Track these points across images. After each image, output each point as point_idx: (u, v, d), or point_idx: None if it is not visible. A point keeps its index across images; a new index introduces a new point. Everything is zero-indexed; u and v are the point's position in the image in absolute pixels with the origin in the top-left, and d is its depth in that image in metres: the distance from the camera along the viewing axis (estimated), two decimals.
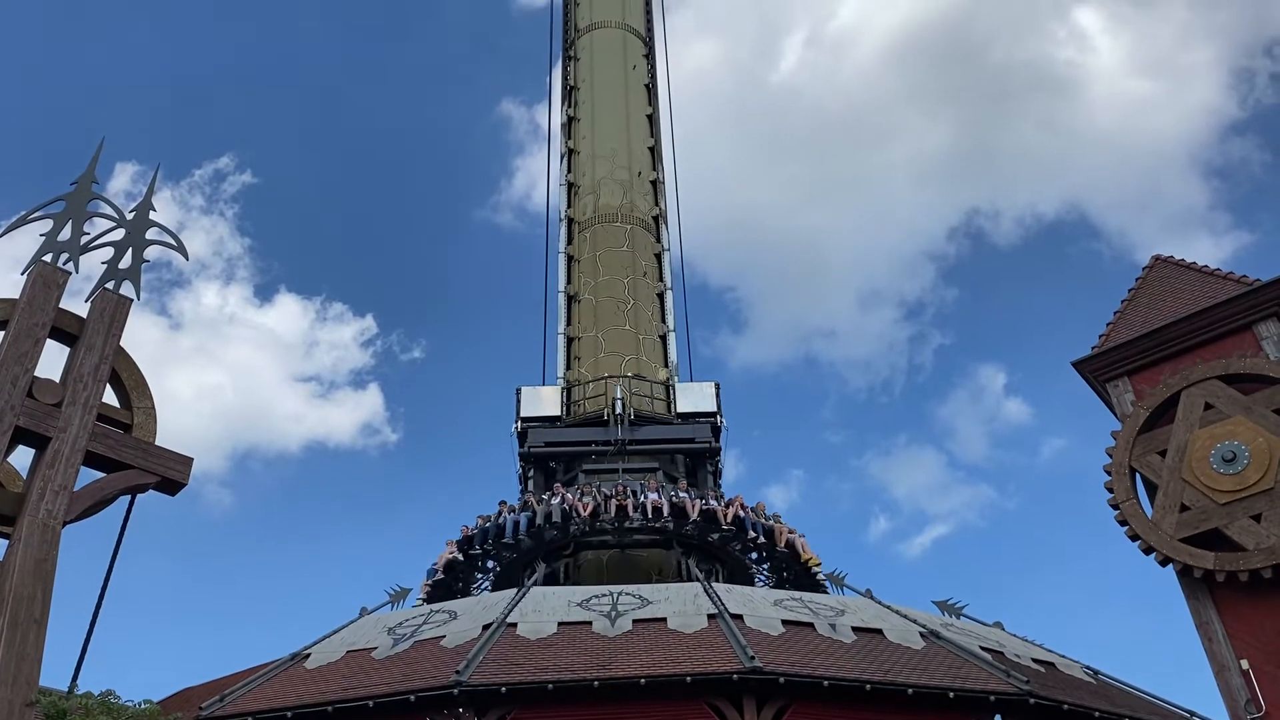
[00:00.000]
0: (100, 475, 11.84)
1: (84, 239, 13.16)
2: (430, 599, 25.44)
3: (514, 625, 17.68)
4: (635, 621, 17.76)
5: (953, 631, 19.26)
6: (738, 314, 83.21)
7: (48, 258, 12.59)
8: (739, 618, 17.68)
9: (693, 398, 29.69)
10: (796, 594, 20.61)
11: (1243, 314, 17.48)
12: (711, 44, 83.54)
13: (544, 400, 29.74)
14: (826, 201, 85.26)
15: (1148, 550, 16.13)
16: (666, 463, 28.95)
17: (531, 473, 28.89)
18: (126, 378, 12.61)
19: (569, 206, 35.28)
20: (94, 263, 13.05)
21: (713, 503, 25.79)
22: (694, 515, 25.22)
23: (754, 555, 26.64)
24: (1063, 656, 20.46)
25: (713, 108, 78.93)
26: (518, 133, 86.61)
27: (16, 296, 12.04)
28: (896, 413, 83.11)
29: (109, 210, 13.53)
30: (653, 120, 37.72)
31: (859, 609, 19.66)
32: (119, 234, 13.42)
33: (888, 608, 20.10)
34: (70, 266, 12.74)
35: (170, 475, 12.23)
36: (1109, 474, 16.99)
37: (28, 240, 12.52)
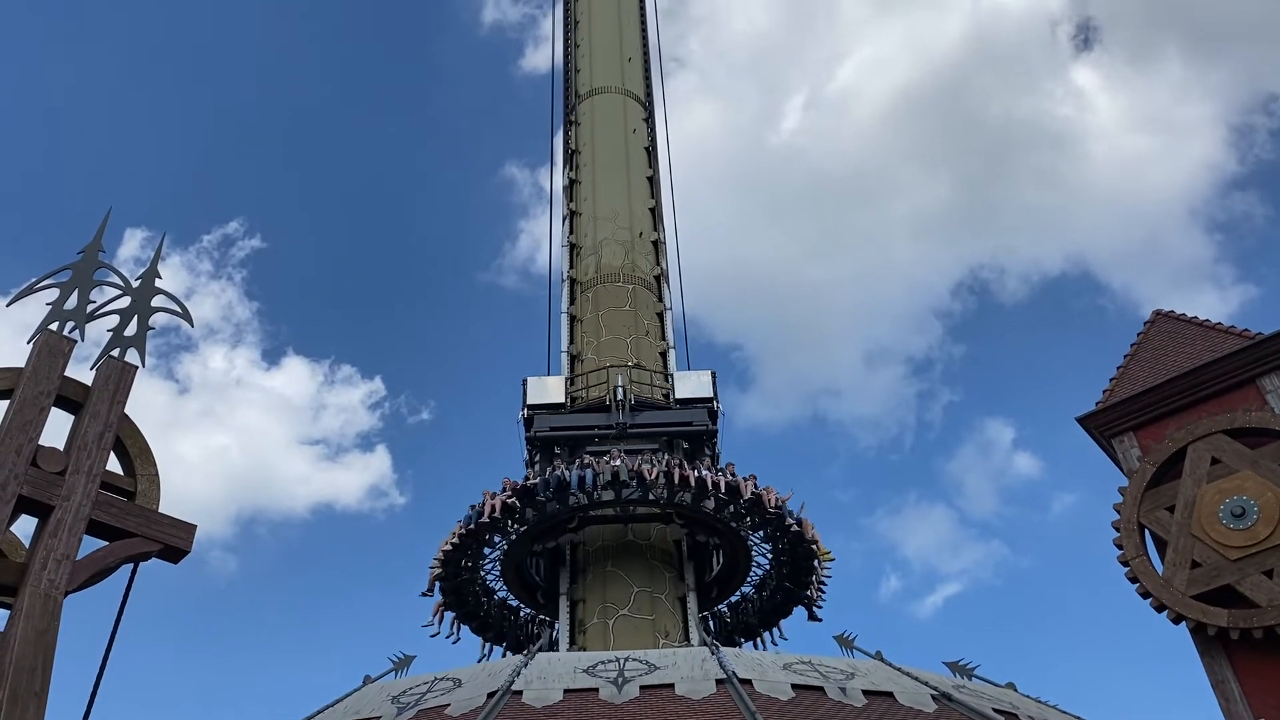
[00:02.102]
0: (103, 544, 11.75)
1: (90, 307, 13.22)
2: (446, 562, 26.82)
3: (519, 693, 17.43)
4: (643, 688, 17.50)
5: (965, 694, 18.97)
6: (745, 372, 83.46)
7: (54, 326, 12.64)
8: (748, 683, 17.44)
9: (690, 385, 31.11)
10: (806, 657, 20.34)
11: (1246, 368, 17.48)
12: (713, 107, 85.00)
13: (549, 389, 30.97)
14: (830, 260, 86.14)
15: (1160, 608, 15.93)
16: (666, 446, 29.70)
17: (538, 457, 29.92)
18: (130, 445, 12.57)
19: (571, 267, 35.57)
20: (100, 330, 13.10)
21: (757, 488, 26.81)
22: (746, 495, 26.49)
23: (757, 532, 27.82)
24: (1077, 718, 20.11)
25: (715, 169, 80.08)
26: (521, 195, 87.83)
27: (22, 365, 12.06)
28: (906, 470, 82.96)
29: (115, 278, 13.62)
30: (653, 182, 38.15)
31: (869, 672, 19.38)
32: (124, 301, 13.48)
33: (898, 670, 19.82)
34: (76, 334, 12.79)
35: (173, 543, 12.13)
36: (1118, 530, 16.85)
37: (37, 308, 12.56)
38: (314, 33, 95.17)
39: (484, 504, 26.73)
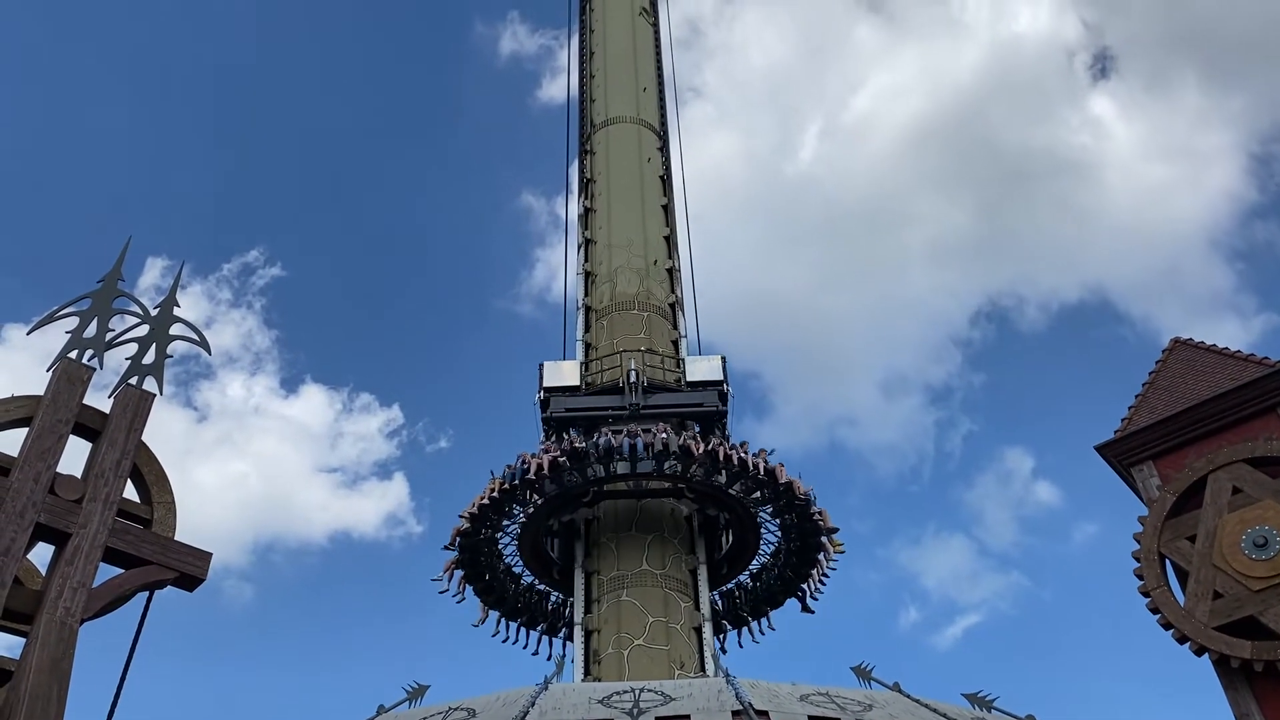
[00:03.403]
0: (118, 571, 11.75)
1: (109, 335, 13.30)
2: (476, 518, 27.90)
3: None
4: (658, 719, 17.35)
5: None
6: (761, 400, 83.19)
7: (73, 354, 12.72)
8: (764, 714, 17.26)
9: (701, 368, 32.27)
10: (823, 688, 20.14)
11: (1266, 396, 17.33)
12: (729, 136, 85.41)
13: (564, 372, 32.25)
14: (847, 288, 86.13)
15: (1182, 639, 15.71)
16: (677, 427, 30.35)
17: (554, 438, 30.84)
18: (147, 472, 12.60)
19: (586, 295, 35.66)
20: (119, 358, 13.18)
21: (791, 476, 28.14)
22: (783, 479, 27.70)
23: (766, 507, 29.05)
24: None
25: (732, 198, 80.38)
26: (539, 224, 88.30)
27: (42, 393, 12.12)
28: (925, 500, 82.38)
29: (134, 307, 13.71)
30: (668, 210, 38.26)
31: (887, 703, 19.17)
32: (143, 330, 13.57)
33: (917, 702, 19.60)
34: (95, 363, 12.86)
35: (188, 571, 12.13)
36: (1138, 560, 16.66)
37: (57, 336, 12.67)
38: (335, 63, 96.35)
39: (527, 462, 27.57)
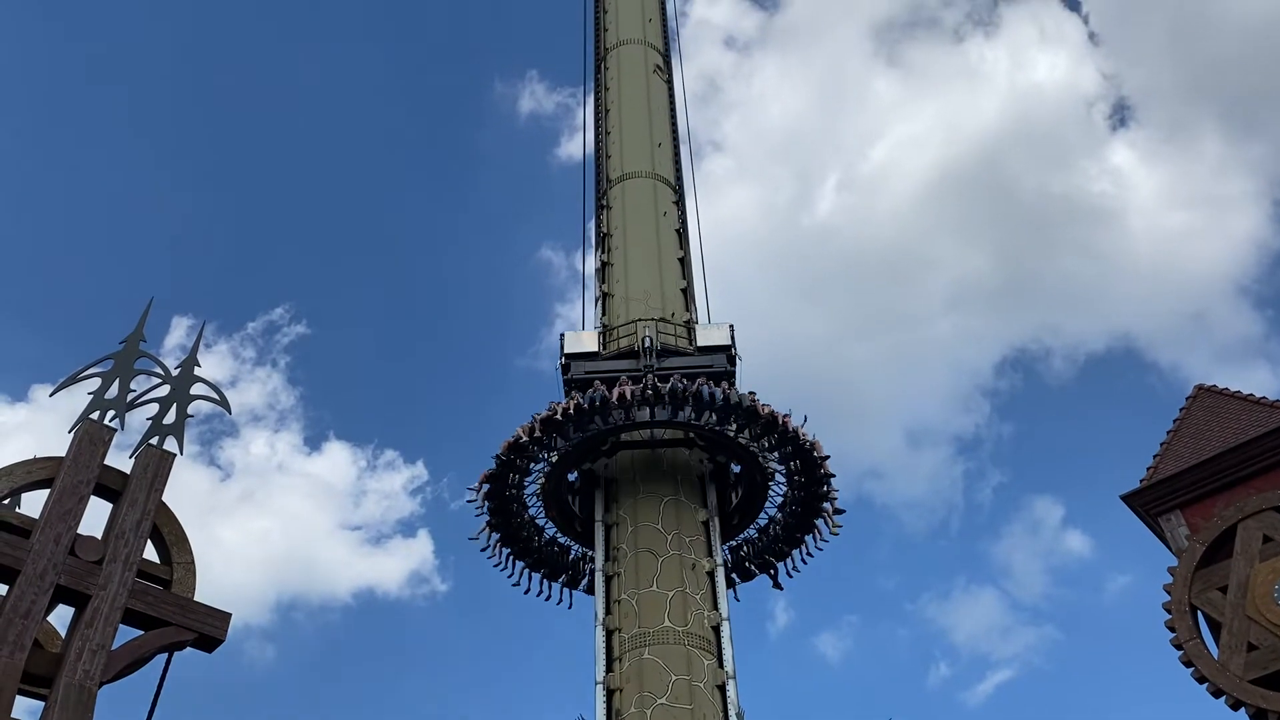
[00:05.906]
0: (138, 633, 11.70)
1: (131, 395, 13.39)
2: (543, 425, 29.53)
3: None
4: None
5: None
6: None
7: (95, 415, 12.79)
8: None
9: (712, 335, 34.43)
10: None
11: None
12: (748, 189, 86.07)
13: (583, 340, 34.62)
14: (869, 339, 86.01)
15: (1216, 693, 15.35)
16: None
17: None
18: (167, 533, 12.60)
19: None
20: (140, 418, 13.26)
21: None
22: (820, 453, 29.93)
23: (772, 453, 31.02)
24: None
25: (752, 250, 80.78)
26: (558, 279, 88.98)
27: (63, 454, 12.18)
28: (954, 553, 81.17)
29: (156, 367, 13.83)
30: (684, 263, 38.45)
31: None
32: (164, 390, 13.67)
33: None
34: (117, 423, 12.93)
35: (207, 631, 12.06)
36: (1169, 612, 16.33)
37: (81, 397, 12.77)
38: (358, 123, 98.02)
39: (601, 390, 29.32)
